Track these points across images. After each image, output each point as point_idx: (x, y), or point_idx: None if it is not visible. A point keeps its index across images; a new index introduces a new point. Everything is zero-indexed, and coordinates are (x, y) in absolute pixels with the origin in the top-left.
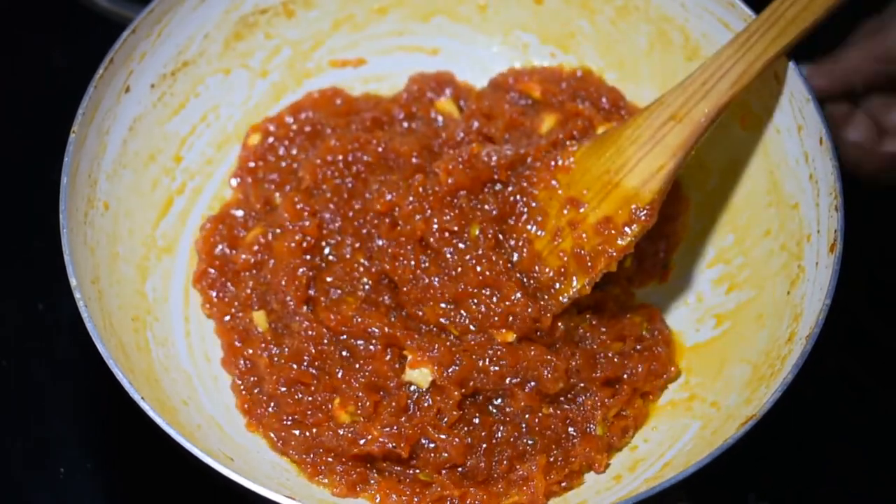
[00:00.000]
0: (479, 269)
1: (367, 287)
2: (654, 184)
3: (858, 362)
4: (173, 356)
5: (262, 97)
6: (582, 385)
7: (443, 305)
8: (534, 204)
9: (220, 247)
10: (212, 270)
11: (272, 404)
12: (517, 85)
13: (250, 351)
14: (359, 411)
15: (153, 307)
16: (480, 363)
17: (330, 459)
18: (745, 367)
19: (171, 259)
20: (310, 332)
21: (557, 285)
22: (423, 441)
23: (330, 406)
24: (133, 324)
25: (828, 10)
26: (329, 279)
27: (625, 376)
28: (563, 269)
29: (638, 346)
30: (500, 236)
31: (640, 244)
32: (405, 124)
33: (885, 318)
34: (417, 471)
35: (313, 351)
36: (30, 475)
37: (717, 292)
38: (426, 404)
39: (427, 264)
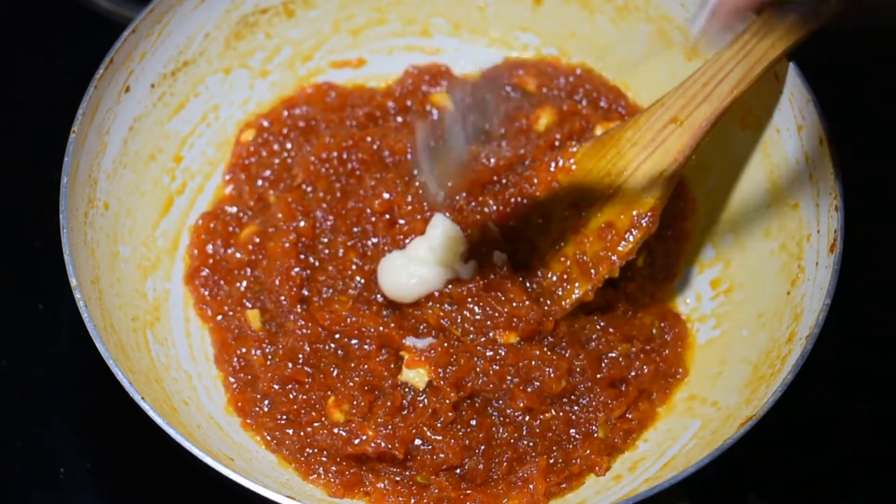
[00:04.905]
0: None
1: (360, 286)
2: (655, 189)
3: (858, 362)
4: (173, 356)
5: (262, 97)
6: (587, 386)
7: (445, 307)
8: (535, 206)
9: (213, 244)
10: (205, 270)
11: (266, 402)
12: (511, 78)
13: (244, 350)
14: (353, 410)
15: (153, 307)
16: (480, 364)
17: (324, 459)
18: (745, 367)
19: (172, 259)
20: (305, 331)
21: (560, 291)
22: (419, 442)
23: (324, 405)
24: (133, 324)
25: None
26: (322, 278)
27: (631, 377)
28: (565, 275)
29: (646, 347)
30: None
31: (650, 245)
32: (399, 118)
33: (886, 318)
34: (414, 472)
35: (308, 350)
36: (30, 475)
37: (716, 292)
38: (421, 405)
39: None
